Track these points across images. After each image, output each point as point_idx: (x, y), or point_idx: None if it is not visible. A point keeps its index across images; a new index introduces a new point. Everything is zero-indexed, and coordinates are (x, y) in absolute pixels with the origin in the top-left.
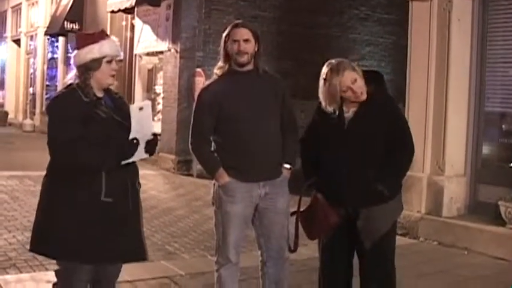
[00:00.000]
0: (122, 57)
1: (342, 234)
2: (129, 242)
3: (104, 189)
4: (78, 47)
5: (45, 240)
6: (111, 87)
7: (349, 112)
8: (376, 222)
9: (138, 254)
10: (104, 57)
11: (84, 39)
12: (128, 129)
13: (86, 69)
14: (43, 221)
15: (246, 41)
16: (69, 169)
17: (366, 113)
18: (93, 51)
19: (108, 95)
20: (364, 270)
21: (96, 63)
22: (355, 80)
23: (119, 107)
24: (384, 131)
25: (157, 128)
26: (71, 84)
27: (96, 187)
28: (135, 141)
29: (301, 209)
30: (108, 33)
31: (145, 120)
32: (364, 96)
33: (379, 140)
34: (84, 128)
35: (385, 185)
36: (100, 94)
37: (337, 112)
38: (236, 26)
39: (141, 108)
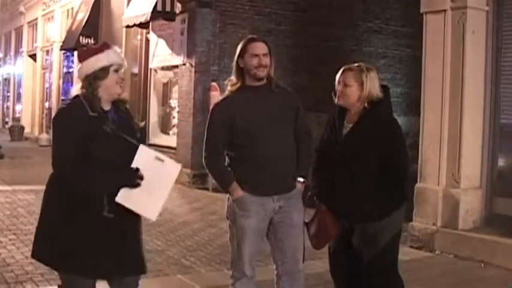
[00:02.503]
0: (126, 67)
1: (345, 245)
2: (129, 256)
3: (107, 206)
4: (84, 58)
5: (50, 253)
6: (122, 97)
7: (347, 127)
8: (371, 239)
9: (138, 268)
10: (111, 65)
11: (88, 51)
12: (134, 148)
13: (94, 78)
14: (46, 233)
15: (265, 55)
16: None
17: (361, 131)
18: (101, 59)
19: (115, 108)
20: (364, 284)
21: (104, 72)
22: (346, 85)
23: (125, 121)
24: (376, 152)
25: (172, 142)
26: (77, 96)
27: (98, 203)
28: (135, 171)
29: (308, 220)
30: (124, 48)
31: (163, 177)
32: (341, 102)
33: (371, 160)
34: (87, 144)
35: (374, 206)
36: (107, 107)
37: (337, 124)
38: (253, 40)
39: (160, 159)
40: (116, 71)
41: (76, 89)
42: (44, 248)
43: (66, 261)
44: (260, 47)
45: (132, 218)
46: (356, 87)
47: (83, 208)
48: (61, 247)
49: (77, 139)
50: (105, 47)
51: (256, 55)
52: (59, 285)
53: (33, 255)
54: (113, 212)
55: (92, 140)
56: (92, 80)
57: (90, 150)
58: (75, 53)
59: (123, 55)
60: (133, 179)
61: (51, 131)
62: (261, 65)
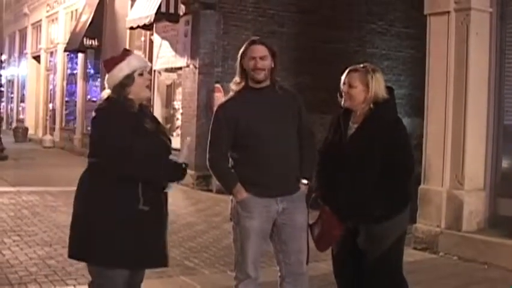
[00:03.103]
0: (149, 67)
1: (349, 246)
2: (158, 248)
3: (142, 199)
4: (109, 69)
5: (85, 246)
6: (144, 103)
7: (353, 128)
8: (376, 240)
9: (163, 260)
10: (134, 71)
11: (111, 61)
12: (167, 144)
13: (121, 87)
14: (82, 227)
15: (263, 58)
16: (109, 179)
17: (366, 132)
18: (123, 68)
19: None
20: (368, 286)
21: (129, 79)
22: (351, 86)
23: (155, 120)
24: (382, 152)
25: (176, 143)
26: (110, 97)
27: (133, 197)
28: (184, 165)
29: (312, 221)
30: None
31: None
32: (347, 104)
33: (377, 160)
34: (133, 139)
35: (379, 207)
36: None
37: (342, 125)
38: (253, 42)
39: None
40: (141, 74)
41: (106, 93)
42: (80, 245)
43: (104, 254)
44: (257, 50)
45: (163, 211)
46: (361, 88)
47: (118, 202)
48: (98, 241)
49: (122, 133)
50: (125, 54)
51: (253, 58)
52: (89, 283)
53: (70, 255)
54: (148, 204)
55: (135, 135)
56: (119, 89)
57: (133, 145)
58: (79, 54)
59: (144, 58)
60: (184, 175)
61: (91, 128)
62: (257, 68)
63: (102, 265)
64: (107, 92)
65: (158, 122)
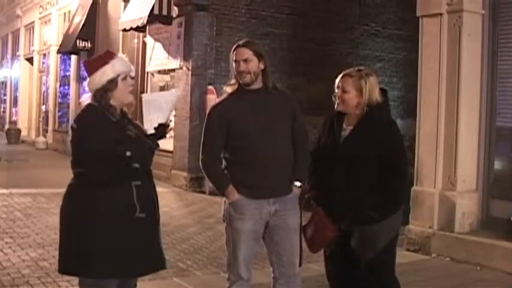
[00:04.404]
0: (134, 72)
1: (342, 247)
2: (154, 253)
3: (138, 206)
4: (91, 72)
5: (84, 260)
6: (125, 109)
7: (347, 130)
8: (369, 242)
9: (161, 264)
10: (118, 75)
11: (94, 63)
12: (153, 149)
13: (104, 91)
14: (79, 241)
15: (246, 60)
16: (101, 191)
17: (361, 134)
18: (107, 72)
19: (123, 114)
20: (360, 287)
21: (112, 83)
22: (344, 91)
23: (136, 124)
24: (377, 154)
25: (169, 145)
26: (90, 104)
27: (130, 205)
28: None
29: (305, 223)
30: (120, 51)
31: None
32: (340, 108)
33: (372, 162)
34: (115, 149)
35: (374, 208)
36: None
37: (335, 127)
38: (238, 46)
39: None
40: (125, 78)
41: (87, 98)
42: (72, 259)
43: (106, 266)
44: (239, 53)
45: (157, 216)
46: (355, 93)
47: (116, 213)
48: (94, 253)
49: (107, 143)
50: (109, 57)
51: (237, 61)
52: None
53: (60, 270)
54: (144, 211)
55: (119, 145)
56: (102, 93)
57: (117, 156)
58: (72, 56)
59: (128, 62)
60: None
61: (71, 136)
62: (239, 71)
63: (104, 278)
64: (88, 97)
65: (139, 127)
